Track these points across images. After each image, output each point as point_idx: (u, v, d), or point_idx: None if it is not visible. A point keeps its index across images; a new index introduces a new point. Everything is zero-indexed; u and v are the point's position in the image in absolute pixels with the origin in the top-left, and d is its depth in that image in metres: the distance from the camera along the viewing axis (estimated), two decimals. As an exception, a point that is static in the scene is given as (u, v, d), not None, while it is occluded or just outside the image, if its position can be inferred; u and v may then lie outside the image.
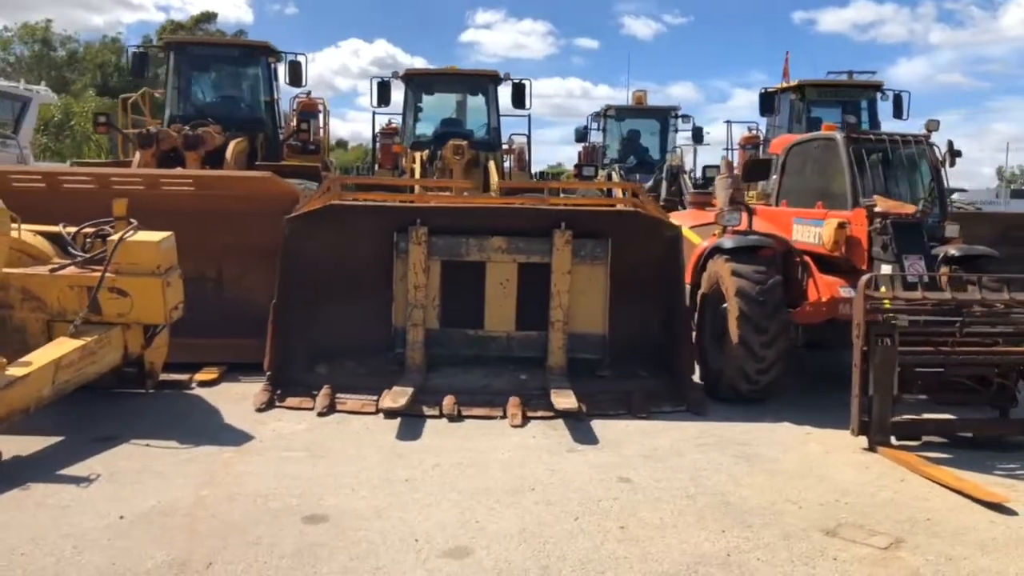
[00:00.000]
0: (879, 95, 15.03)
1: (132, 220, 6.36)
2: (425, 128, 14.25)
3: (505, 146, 14.80)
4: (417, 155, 13.07)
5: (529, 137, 14.39)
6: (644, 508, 4.39)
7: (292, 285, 6.87)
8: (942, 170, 8.06)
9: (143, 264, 6.03)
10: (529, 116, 14.48)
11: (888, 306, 5.63)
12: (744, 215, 7.45)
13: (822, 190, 8.10)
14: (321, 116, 15.40)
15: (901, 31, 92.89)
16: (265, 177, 8.15)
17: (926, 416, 5.95)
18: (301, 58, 13.18)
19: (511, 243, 7.12)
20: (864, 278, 5.78)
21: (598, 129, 16.59)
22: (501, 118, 14.14)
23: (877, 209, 6.97)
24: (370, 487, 4.64)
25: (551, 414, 6.26)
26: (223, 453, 5.21)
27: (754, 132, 16.65)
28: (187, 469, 4.87)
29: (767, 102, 15.03)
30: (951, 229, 7.59)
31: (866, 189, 7.93)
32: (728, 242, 7.10)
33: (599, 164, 16.44)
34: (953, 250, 7.17)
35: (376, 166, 15.23)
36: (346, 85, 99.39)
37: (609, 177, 15.59)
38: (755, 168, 8.30)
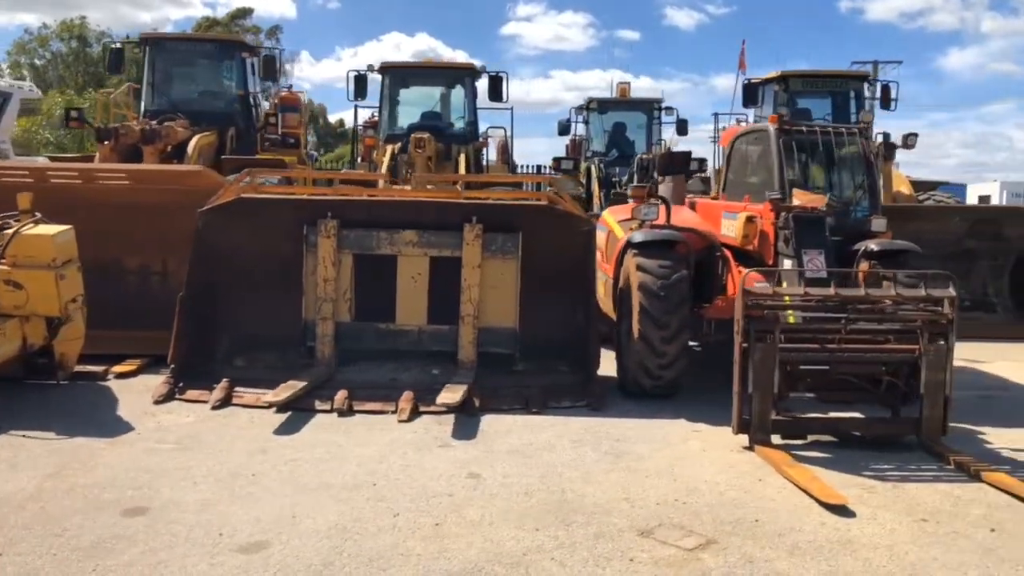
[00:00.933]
0: (866, 85, 14.70)
1: (37, 214, 6.49)
2: (403, 121, 14.26)
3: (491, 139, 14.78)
4: (389, 148, 13.09)
5: (512, 130, 14.34)
6: (473, 505, 4.35)
7: (205, 278, 6.93)
8: (875, 163, 7.87)
9: (38, 257, 6.14)
10: (512, 109, 14.45)
11: (769, 303, 5.52)
12: (663, 209, 7.33)
13: (757, 183, 7.96)
14: (301, 110, 15.45)
15: (951, 19, 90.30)
16: (195, 171, 8.24)
17: (810, 415, 5.79)
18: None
19: (422, 237, 7.10)
20: (745, 274, 5.67)
21: (582, 122, 16.46)
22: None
23: (795, 202, 6.84)
24: (214, 480, 4.67)
25: (443, 409, 6.24)
26: (94, 444, 5.28)
27: (742, 124, 16.35)
28: (46, 460, 4.94)
29: (751, 93, 14.77)
30: (877, 223, 7.42)
31: (796, 182, 7.81)
32: (638, 236, 7.00)
33: (583, 157, 16.32)
34: (873, 245, 7.01)
35: (359, 159, 15.30)
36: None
37: (588, 171, 15.48)
38: (670, 162, 8.17)
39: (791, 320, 5.69)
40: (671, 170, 8.15)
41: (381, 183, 10.57)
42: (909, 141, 14.41)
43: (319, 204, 7.23)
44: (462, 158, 13.03)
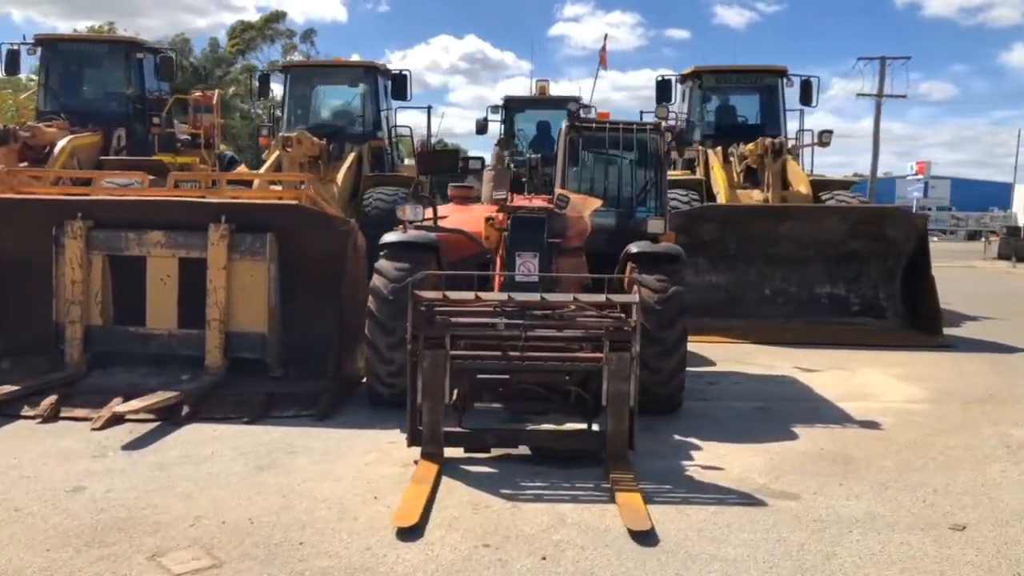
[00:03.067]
0: (783, 81, 14.14)
1: None
2: (303, 121, 14.10)
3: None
4: (276, 148, 12.92)
5: (429, 128, 14.13)
6: (21, 523, 4.12)
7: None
8: (665, 162, 7.47)
9: None
10: (429, 108, 14.32)
11: (437, 308, 5.18)
12: (428, 209, 7.03)
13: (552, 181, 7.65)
14: (213, 110, 15.38)
15: (1013, 14, 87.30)
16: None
17: (489, 427, 5.43)
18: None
19: (170, 237, 6.90)
20: (415, 277, 5.35)
21: (499, 121, 16.13)
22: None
23: (539, 203, 6.50)
24: None
25: (151, 416, 6.03)
26: None
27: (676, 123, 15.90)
28: None
29: (663, 90, 14.31)
30: (654, 225, 7.04)
31: (581, 178, 7.47)
32: (388, 237, 6.71)
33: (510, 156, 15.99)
34: (633, 248, 6.63)
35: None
36: (436, 81, 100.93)
37: (509, 167, 15.14)
38: (429, 160, 7.85)
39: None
40: (430, 169, 7.84)
41: (256, 183, 10.42)
42: (824, 138, 13.83)
43: (69, 204, 7.06)
44: (350, 157, 12.81)
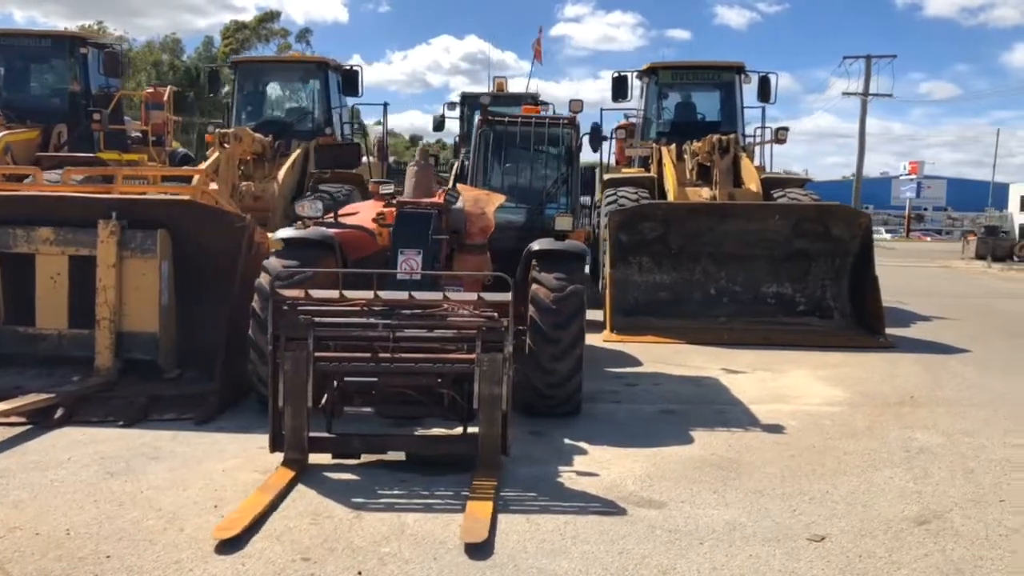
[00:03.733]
0: (740, 77, 13.92)
1: None
2: (253, 117, 13.89)
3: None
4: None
5: (385, 125, 13.91)
6: None
7: None
8: (577, 157, 7.25)
9: None
10: (385, 105, 14.06)
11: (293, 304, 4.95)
12: (326, 205, 6.80)
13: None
14: (165, 107, 15.17)
15: (1014, 14, 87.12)
16: None
17: (354, 432, 5.20)
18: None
19: (59, 234, 6.68)
20: (276, 275, 5.12)
21: (456, 118, 15.92)
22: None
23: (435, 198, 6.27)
24: None
25: (23, 419, 5.80)
26: None
27: (632, 120, 15.69)
28: None
29: (619, 87, 14.08)
30: (562, 221, 6.82)
31: (493, 173, 7.26)
32: (281, 233, 6.49)
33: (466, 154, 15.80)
34: (535, 245, 6.41)
35: None
36: (437, 81, 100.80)
37: (463, 164, 14.93)
38: (326, 154, 7.62)
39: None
40: (330, 164, 7.62)
41: (195, 179, 10.20)
42: (780, 135, 13.68)
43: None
44: (295, 154, 12.58)
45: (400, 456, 5.07)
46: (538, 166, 7.23)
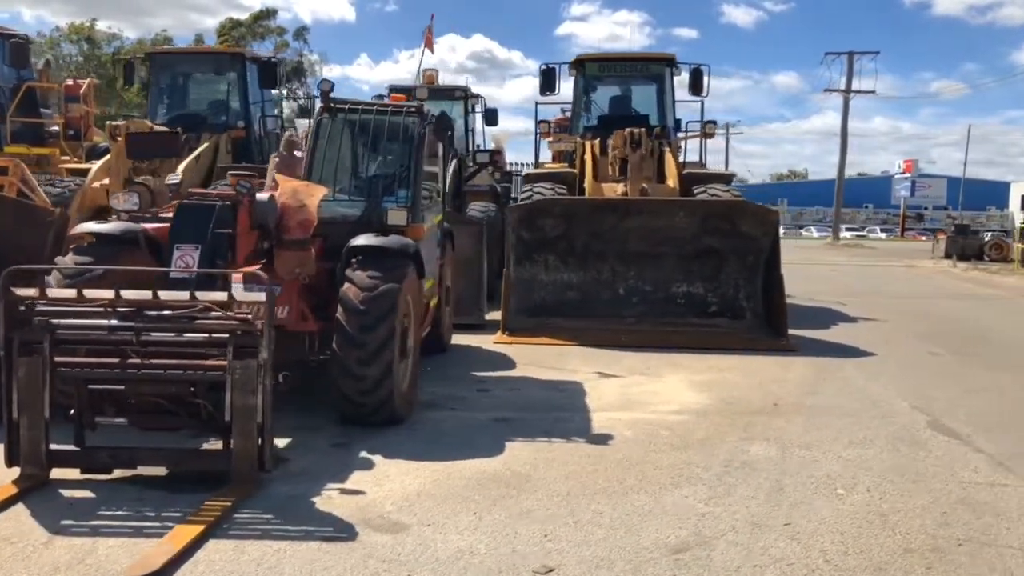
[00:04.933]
0: (671, 70, 13.43)
1: None
2: (168, 111, 13.48)
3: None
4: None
5: (282, 117, 13.46)
6: None
7: None
8: (421, 148, 6.79)
9: None
10: (281, 98, 13.55)
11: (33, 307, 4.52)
12: (144, 198, 6.38)
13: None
14: (82, 100, 14.73)
15: (1022, 14, 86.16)
16: None
17: (102, 446, 4.75)
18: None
19: None
20: (8, 271, 4.68)
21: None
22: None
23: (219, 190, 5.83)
24: None
25: None
26: None
27: (567, 114, 15.23)
28: None
29: (547, 79, 13.60)
30: (395, 216, 6.39)
31: (328, 163, 6.81)
32: (86, 227, 6.07)
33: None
34: (357, 240, 5.99)
35: None
36: (445, 80, 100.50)
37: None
38: (139, 143, 7.19)
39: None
40: (143, 154, 7.19)
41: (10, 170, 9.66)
42: (708, 130, 13.24)
43: None
44: (201, 147, 12.16)
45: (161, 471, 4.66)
46: (381, 157, 6.78)
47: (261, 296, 4.54)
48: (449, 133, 7.46)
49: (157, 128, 11.98)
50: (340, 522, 4.11)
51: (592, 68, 13.47)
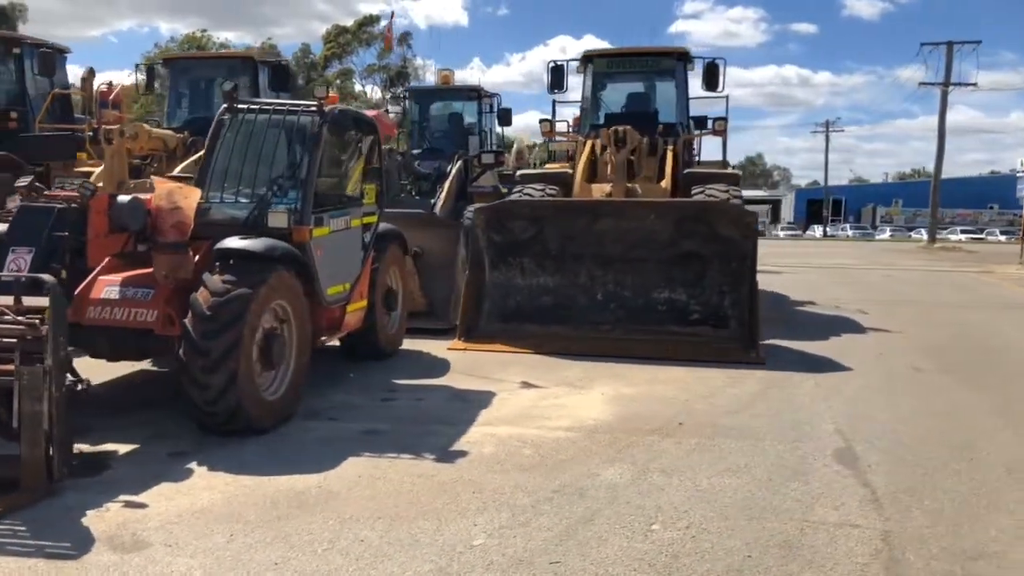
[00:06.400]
0: (684, 65, 12.82)
1: None
2: (186, 113, 13.82)
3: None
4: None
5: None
6: None
7: None
8: (317, 149, 6.59)
9: None
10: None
11: None
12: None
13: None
14: (109, 104, 15.25)
15: None
16: None
17: None
18: None
19: None
20: None
21: (400, 113, 15.39)
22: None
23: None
24: None
25: None
26: None
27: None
28: None
29: (556, 77, 13.21)
30: (276, 218, 6.26)
31: (217, 163, 6.71)
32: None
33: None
34: (223, 243, 5.87)
35: None
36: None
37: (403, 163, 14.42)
38: (36, 144, 7.17)
39: None
40: (40, 155, 7.18)
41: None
42: (717, 126, 12.57)
43: None
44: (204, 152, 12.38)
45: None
46: (277, 157, 6.61)
47: (45, 301, 4.44)
48: (370, 133, 7.23)
49: (161, 131, 12.25)
50: (84, 539, 3.96)
51: (600, 64, 12.98)
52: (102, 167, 11.56)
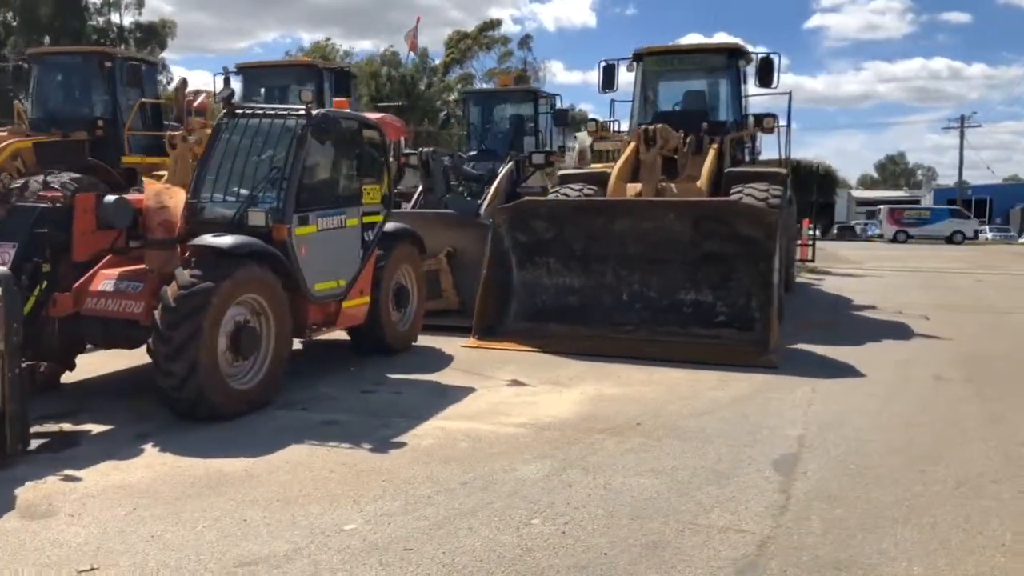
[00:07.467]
0: (740, 61, 12.53)
1: None
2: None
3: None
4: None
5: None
6: None
7: None
8: (303, 149, 6.92)
9: None
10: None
11: None
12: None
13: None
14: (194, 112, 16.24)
15: None
16: None
17: None
18: None
19: None
20: None
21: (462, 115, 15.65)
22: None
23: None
24: None
25: None
26: None
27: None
28: None
29: (608, 76, 13.15)
30: (255, 216, 6.65)
31: (210, 164, 7.14)
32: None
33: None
34: (199, 240, 6.28)
35: None
36: None
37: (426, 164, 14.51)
38: (48, 150, 7.69)
39: None
40: (51, 160, 7.72)
41: None
42: (766, 124, 12.23)
43: None
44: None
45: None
46: (265, 159, 6.97)
47: (-1, 291, 4.90)
48: (350, 134, 7.48)
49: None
50: (3, 507, 4.35)
51: (651, 62, 12.85)
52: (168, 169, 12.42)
